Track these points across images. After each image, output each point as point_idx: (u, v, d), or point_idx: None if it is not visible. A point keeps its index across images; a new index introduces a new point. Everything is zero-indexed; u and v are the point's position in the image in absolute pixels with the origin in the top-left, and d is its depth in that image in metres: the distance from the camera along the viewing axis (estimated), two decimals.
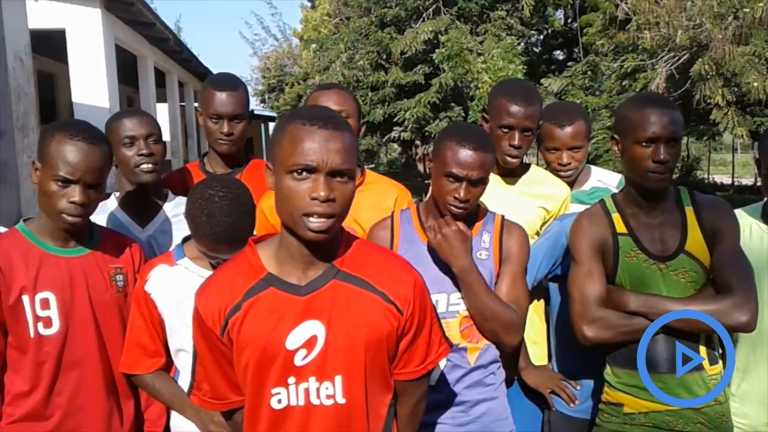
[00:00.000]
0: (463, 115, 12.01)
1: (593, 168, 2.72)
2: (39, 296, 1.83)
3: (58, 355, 1.86)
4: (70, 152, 1.78)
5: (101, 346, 1.92)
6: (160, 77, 14.19)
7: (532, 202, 2.38)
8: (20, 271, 1.82)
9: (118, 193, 2.39)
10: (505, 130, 2.31)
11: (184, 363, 1.95)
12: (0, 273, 1.80)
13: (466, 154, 1.86)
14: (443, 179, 1.90)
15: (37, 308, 1.83)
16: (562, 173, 2.54)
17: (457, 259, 1.88)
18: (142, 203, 2.35)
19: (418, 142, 18.07)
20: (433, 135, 12.34)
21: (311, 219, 1.36)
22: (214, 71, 20.67)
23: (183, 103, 18.55)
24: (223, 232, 1.77)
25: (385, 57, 13.04)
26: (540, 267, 2.22)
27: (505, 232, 2.01)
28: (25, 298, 1.82)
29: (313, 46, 14.91)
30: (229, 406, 1.58)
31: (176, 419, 2.00)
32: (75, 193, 1.79)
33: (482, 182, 1.91)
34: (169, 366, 1.99)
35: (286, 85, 21.46)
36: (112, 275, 1.96)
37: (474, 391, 1.96)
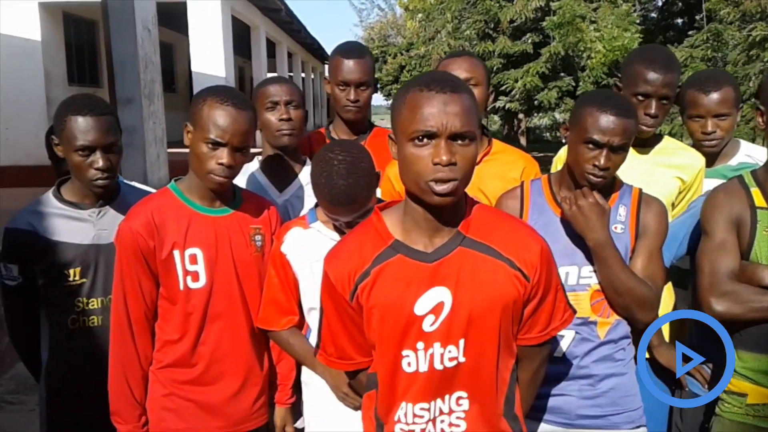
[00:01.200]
0: (573, 85, 11.60)
1: (742, 142, 2.54)
2: (188, 252, 1.95)
3: (204, 307, 1.98)
4: (220, 116, 1.86)
5: (242, 301, 2.03)
6: (271, 48, 14.58)
7: (667, 172, 2.28)
8: (172, 227, 1.94)
9: (260, 157, 2.49)
10: (641, 98, 2.23)
11: (315, 321, 2.02)
12: (155, 229, 1.92)
13: (607, 119, 1.80)
14: (582, 147, 1.85)
15: (187, 263, 1.94)
16: (705, 143, 2.39)
17: (593, 232, 1.83)
18: (282, 168, 2.44)
19: (521, 115, 17.63)
20: (542, 103, 12.00)
21: (435, 184, 1.36)
22: (321, 42, 20.96)
23: (291, 74, 19.00)
24: (340, 194, 1.81)
25: (492, 26, 12.75)
26: (681, 244, 2.13)
27: (643, 206, 1.94)
28: (176, 253, 1.94)
29: (419, 15, 14.77)
30: (354, 367, 1.64)
31: (307, 374, 2.09)
32: (223, 155, 1.87)
33: (623, 149, 1.84)
34: (301, 324, 2.07)
35: (389, 55, 21.50)
36: (251, 235, 2.05)
37: (602, 365, 1.93)
